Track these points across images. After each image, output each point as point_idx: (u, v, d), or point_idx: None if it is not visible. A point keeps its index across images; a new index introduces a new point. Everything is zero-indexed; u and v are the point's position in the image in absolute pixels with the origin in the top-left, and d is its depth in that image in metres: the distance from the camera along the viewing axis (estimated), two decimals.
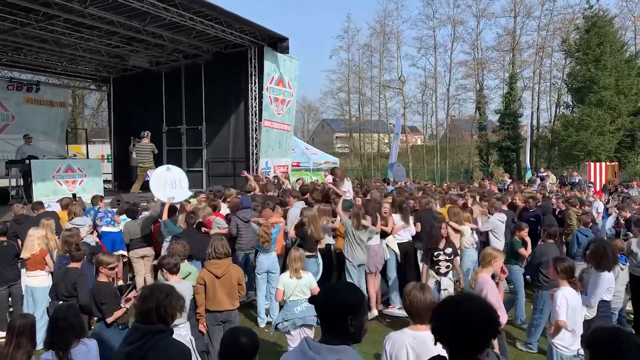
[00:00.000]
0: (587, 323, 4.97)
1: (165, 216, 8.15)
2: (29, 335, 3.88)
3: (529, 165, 27.21)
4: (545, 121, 39.28)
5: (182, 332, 5.00)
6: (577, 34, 33.04)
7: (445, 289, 6.56)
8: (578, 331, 4.65)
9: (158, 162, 18.03)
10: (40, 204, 9.43)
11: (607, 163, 24.17)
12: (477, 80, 39.20)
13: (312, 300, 2.48)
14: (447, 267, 6.77)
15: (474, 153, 40.03)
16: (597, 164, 23.61)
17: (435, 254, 6.78)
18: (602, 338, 2.27)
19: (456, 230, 8.17)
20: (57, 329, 3.85)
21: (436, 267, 6.74)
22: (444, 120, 42.94)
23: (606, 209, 12.14)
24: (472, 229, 8.60)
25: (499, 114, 36.21)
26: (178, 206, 9.01)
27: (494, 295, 4.87)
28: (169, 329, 3.14)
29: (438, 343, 2.13)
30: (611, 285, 5.32)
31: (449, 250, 6.84)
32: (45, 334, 3.99)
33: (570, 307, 4.62)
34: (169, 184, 9.10)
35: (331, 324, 2.35)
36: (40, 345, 4.41)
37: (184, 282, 5.51)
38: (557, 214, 10.81)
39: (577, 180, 20.38)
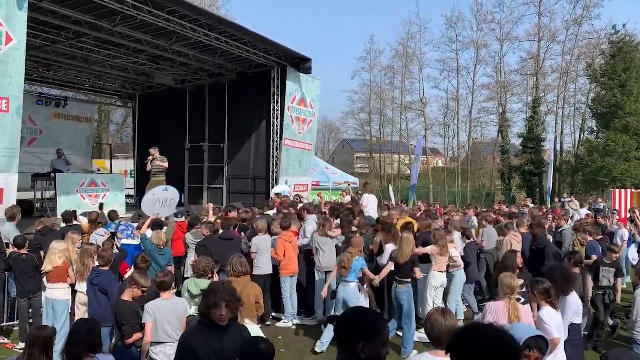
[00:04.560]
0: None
1: (144, 230, 8.34)
2: (42, 347, 3.85)
3: (549, 190, 26.82)
4: (569, 146, 38.80)
5: (168, 350, 4.77)
6: (603, 59, 32.72)
7: None
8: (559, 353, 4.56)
9: (180, 178, 18.40)
10: (73, 213, 9.47)
11: (633, 190, 23.67)
12: (499, 103, 38.97)
13: (330, 319, 2.47)
14: (517, 300, 5.65)
15: (495, 176, 39.61)
16: (622, 190, 23.14)
17: None
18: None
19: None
20: (68, 342, 3.87)
21: None
22: (466, 143, 42.69)
23: (631, 237, 11.87)
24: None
25: (522, 138, 35.86)
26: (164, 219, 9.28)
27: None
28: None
29: None
30: (578, 308, 5.16)
31: (520, 281, 5.73)
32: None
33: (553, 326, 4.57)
34: (159, 202, 9.74)
35: (342, 346, 2.32)
36: (56, 357, 4.43)
37: (176, 298, 5.29)
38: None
39: (601, 207, 19.97)
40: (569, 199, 21.62)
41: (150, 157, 13.34)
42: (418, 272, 7.25)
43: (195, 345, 3.45)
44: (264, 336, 3.31)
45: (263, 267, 8.47)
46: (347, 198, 11.69)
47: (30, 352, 3.80)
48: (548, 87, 37.58)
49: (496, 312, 4.67)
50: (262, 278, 8.44)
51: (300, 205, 11.18)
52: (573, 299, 5.13)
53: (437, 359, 3.23)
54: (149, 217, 8.88)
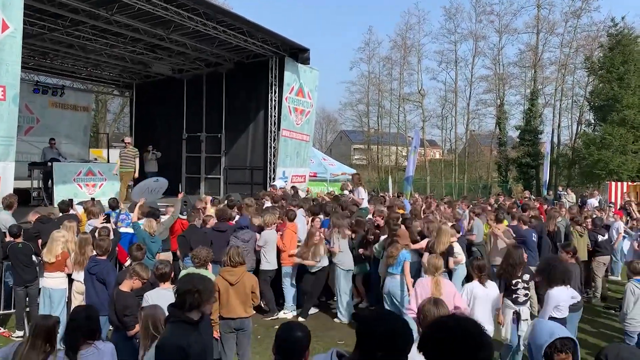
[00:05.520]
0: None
1: (135, 218, 8.47)
2: (45, 337, 3.89)
3: (546, 183, 26.90)
4: (566, 139, 38.87)
5: None
6: (601, 52, 32.68)
7: (526, 319, 5.99)
8: (487, 324, 5.22)
9: (177, 168, 18.38)
10: (69, 202, 9.45)
11: (629, 183, 23.75)
12: (497, 95, 38.95)
13: (355, 316, 2.48)
14: (526, 295, 6.15)
15: (492, 168, 39.68)
16: (619, 183, 23.22)
17: (514, 282, 6.07)
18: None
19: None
20: (66, 329, 3.90)
21: (514, 295, 6.07)
22: (463, 135, 42.72)
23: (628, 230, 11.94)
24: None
25: (519, 130, 35.89)
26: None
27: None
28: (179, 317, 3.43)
29: None
30: (559, 303, 5.19)
31: (526, 276, 6.16)
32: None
33: (477, 299, 5.59)
34: (149, 190, 10.44)
35: (360, 346, 2.29)
36: (59, 346, 4.46)
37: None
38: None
39: (597, 200, 20.03)
40: (565, 192, 21.70)
41: (123, 145, 13.57)
42: (451, 262, 7.41)
43: (185, 347, 3.32)
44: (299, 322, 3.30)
45: (272, 261, 8.50)
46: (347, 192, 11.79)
47: (33, 341, 3.83)
48: (546, 79, 37.59)
49: (424, 286, 5.42)
50: (270, 273, 8.49)
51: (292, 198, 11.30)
52: (555, 293, 5.17)
53: None
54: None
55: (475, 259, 6.16)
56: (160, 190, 10.57)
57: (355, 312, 8.22)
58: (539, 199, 18.85)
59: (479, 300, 5.63)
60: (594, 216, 11.48)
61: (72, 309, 6.98)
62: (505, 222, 10.06)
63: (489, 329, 5.30)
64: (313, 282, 8.42)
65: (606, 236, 10.21)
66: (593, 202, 18.02)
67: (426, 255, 7.30)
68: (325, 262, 8.39)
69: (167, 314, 3.97)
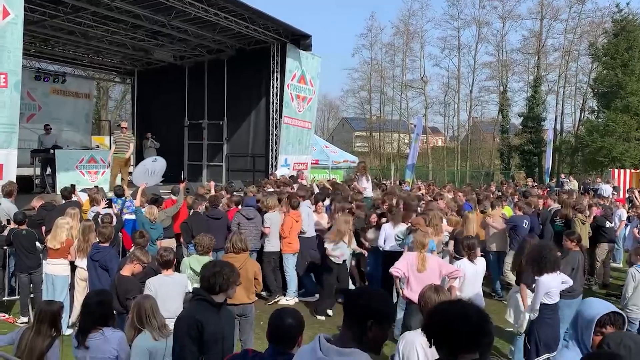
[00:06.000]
0: (530, 324, 5.36)
1: (138, 203, 8.51)
2: (50, 321, 3.95)
3: (548, 170, 26.87)
4: (569, 126, 38.69)
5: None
6: (605, 38, 32.42)
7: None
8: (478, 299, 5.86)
9: (180, 155, 18.39)
10: (72, 189, 9.35)
11: (632, 170, 23.70)
12: (500, 82, 38.71)
13: (342, 290, 2.51)
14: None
15: (495, 156, 39.59)
16: (622, 170, 23.18)
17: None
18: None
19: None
20: (80, 314, 3.94)
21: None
22: (466, 122, 42.53)
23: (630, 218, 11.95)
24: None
25: (522, 117, 35.73)
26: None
27: None
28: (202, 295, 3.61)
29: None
30: (550, 289, 5.25)
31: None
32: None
33: (467, 276, 5.89)
34: (149, 172, 10.01)
35: (350, 322, 2.33)
36: (63, 331, 4.51)
37: (177, 275, 5.41)
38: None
39: (599, 187, 20.01)
40: (567, 179, 21.69)
41: (118, 131, 13.11)
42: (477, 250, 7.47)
43: (203, 320, 3.51)
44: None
45: (275, 244, 8.56)
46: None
47: (39, 327, 3.89)
48: (550, 66, 37.30)
49: (410, 259, 5.81)
50: (273, 255, 8.53)
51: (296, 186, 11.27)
52: (545, 280, 5.22)
53: None
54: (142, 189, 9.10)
55: (466, 238, 6.49)
56: (159, 171, 10.37)
57: (339, 288, 7.81)
58: (541, 186, 18.85)
59: (468, 277, 5.94)
60: (601, 203, 11.55)
61: (74, 295, 7.07)
62: (508, 209, 10.09)
63: (479, 304, 5.41)
64: (340, 273, 7.93)
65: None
66: (607, 188, 18.02)
67: (451, 243, 7.80)
68: (348, 253, 8.13)
69: (158, 304, 4.05)
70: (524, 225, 8.94)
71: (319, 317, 7.83)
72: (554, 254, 5.38)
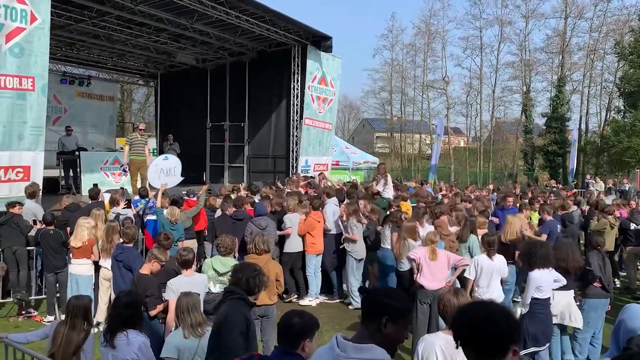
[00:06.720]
0: (520, 318, 5.39)
1: (159, 204, 8.59)
2: (83, 315, 4.08)
3: (572, 171, 26.42)
4: (595, 126, 38.03)
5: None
6: (632, 36, 31.77)
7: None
8: (494, 293, 5.91)
9: (202, 157, 18.57)
10: (99, 190, 9.51)
11: None
12: (523, 82, 38.24)
13: (362, 289, 2.53)
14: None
15: (518, 157, 39.10)
16: None
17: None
18: None
19: None
20: (109, 314, 4.05)
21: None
22: (489, 123, 42.11)
23: None
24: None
25: (546, 118, 35.23)
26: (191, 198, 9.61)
27: None
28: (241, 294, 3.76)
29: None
30: (541, 284, 5.36)
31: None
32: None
33: (483, 270, 6.05)
34: (164, 172, 10.02)
35: (366, 320, 2.35)
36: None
37: (197, 276, 5.50)
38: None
39: (626, 188, 19.62)
40: (593, 180, 21.30)
41: (135, 133, 12.64)
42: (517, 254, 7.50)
43: (249, 318, 3.78)
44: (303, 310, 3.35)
45: (296, 245, 8.59)
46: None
47: (73, 322, 4.04)
48: (574, 65, 36.72)
49: (422, 251, 6.26)
50: (293, 255, 8.57)
51: (321, 186, 11.24)
52: (535, 275, 5.39)
53: (449, 337, 3.25)
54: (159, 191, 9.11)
55: (487, 234, 6.63)
56: (174, 169, 10.28)
57: (360, 286, 7.86)
58: (565, 187, 18.55)
59: (484, 271, 6.10)
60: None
61: (98, 295, 7.19)
62: (535, 214, 9.91)
63: (495, 297, 5.70)
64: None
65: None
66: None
67: None
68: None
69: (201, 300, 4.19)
70: (557, 229, 8.82)
71: None
72: (544, 251, 5.54)
